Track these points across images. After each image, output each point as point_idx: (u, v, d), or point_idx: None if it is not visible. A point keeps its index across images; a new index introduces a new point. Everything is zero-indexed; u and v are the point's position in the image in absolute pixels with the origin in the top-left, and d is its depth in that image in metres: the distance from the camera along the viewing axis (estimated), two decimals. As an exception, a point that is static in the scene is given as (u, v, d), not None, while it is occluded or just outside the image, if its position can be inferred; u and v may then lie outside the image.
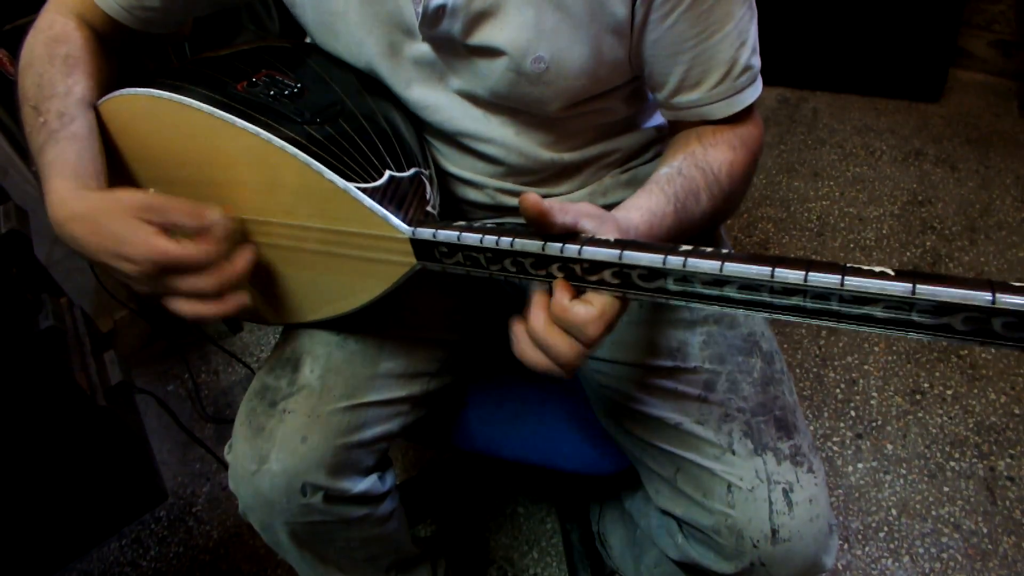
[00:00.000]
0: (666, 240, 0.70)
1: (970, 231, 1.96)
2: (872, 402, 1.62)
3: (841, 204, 2.08)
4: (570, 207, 0.59)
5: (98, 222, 0.69)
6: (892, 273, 0.48)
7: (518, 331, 0.62)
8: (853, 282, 0.48)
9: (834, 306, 0.50)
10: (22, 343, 1.26)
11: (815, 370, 1.69)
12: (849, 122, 2.35)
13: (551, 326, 0.59)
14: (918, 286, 0.46)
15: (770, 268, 0.51)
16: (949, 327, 0.46)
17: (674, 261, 0.54)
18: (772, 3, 2.31)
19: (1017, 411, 1.56)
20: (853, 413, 1.60)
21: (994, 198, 2.04)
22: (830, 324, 0.51)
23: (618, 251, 0.56)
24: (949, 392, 1.62)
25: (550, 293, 0.60)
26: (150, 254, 0.67)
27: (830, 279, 0.49)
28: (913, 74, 2.34)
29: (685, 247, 0.56)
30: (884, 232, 1.98)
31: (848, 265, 0.49)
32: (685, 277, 0.54)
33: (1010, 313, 0.44)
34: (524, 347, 0.62)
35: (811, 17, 2.32)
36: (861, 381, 1.66)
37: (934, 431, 1.55)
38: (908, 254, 1.92)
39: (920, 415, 1.58)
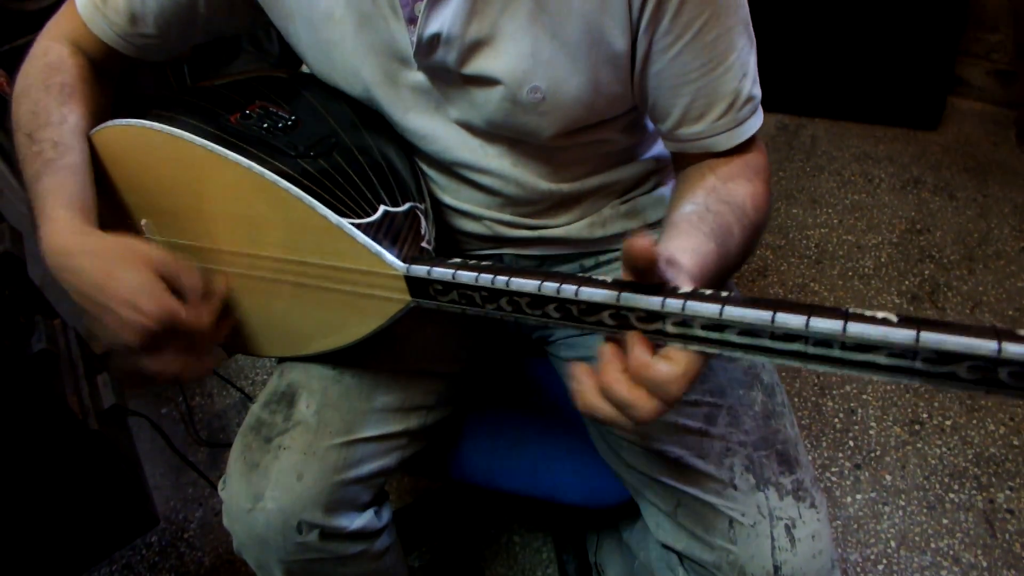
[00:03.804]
0: (714, 281, 0.66)
1: (968, 260, 1.96)
2: (871, 432, 1.60)
3: (839, 232, 2.08)
4: (660, 253, 0.54)
5: (113, 264, 0.71)
6: (895, 320, 0.47)
7: (585, 381, 0.58)
8: (856, 328, 0.47)
9: (836, 353, 0.49)
10: (14, 366, 1.24)
11: (813, 399, 1.68)
12: (848, 149, 2.35)
13: (632, 383, 0.55)
14: (922, 334, 0.45)
15: (771, 313, 0.50)
16: (953, 375, 0.45)
17: (673, 304, 0.53)
18: (772, 30, 2.32)
19: (1016, 442, 1.55)
20: (852, 443, 1.59)
21: (992, 227, 2.04)
22: (833, 370, 0.50)
23: (616, 292, 0.55)
24: (948, 423, 1.61)
25: (617, 344, 0.57)
26: (162, 311, 0.70)
27: (832, 325, 0.48)
28: (911, 102, 2.34)
29: (684, 288, 0.55)
30: (883, 260, 1.98)
31: (851, 311, 0.48)
32: (684, 321, 0.53)
33: (1016, 363, 0.43)
34: (592, 399, 0.57)
35: (811, 44, 2.33)
36: (860, 411, 1.65)
37: (933, 462, 1.54)
38: (907, 283, 1.91)
39: (919, 445, 1.57)
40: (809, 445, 1.59)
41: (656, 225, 0.94)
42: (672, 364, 0.53)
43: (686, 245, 0.64)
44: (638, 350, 0.54)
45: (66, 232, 0.72)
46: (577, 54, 0.71)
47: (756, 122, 0.77)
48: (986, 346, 0.43)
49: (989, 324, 0.45)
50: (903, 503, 1.48)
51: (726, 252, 0.68)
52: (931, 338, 0.45)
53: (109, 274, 0.70)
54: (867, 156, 2.32)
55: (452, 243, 0.93)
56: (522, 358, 1.09)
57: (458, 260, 0.64)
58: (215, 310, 0.75)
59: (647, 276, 0.54)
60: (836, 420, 1.63)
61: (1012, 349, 0.43)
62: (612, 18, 0.69)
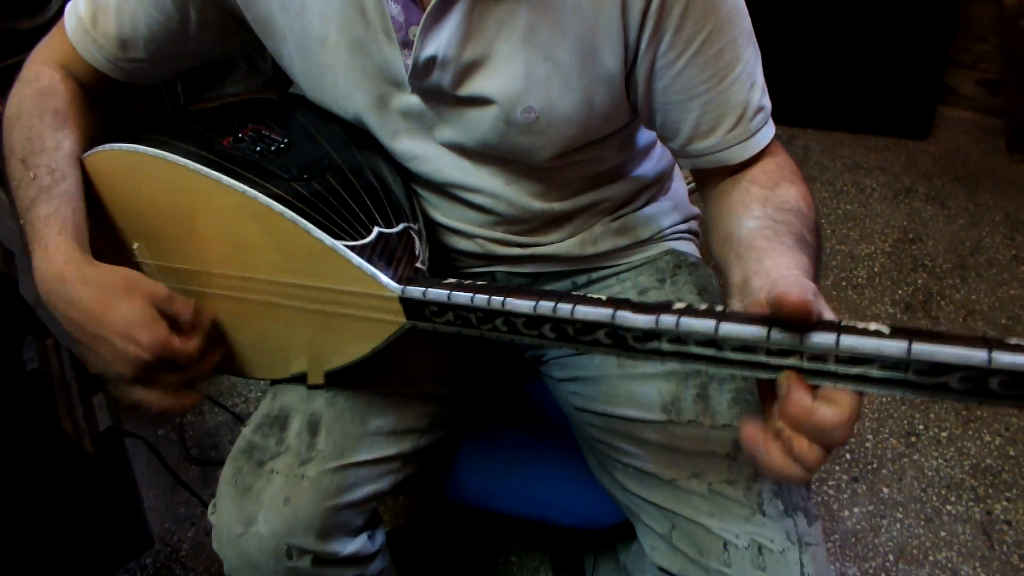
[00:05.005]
0: None
1: (961, 269, 1.96)
2: (867, 444, 1.60)
3: (832, 242, 2.08)
4: (809, 288, 0.51)
5: (110, 295, 0.71)
6: (887, 331, 0.47)
7: (766, 446, 0.52)
8: (849, 341, 0.47)
9: (831, 367, 0.49)
10: (6, 386, 1.23)
11: (809, 411, 1.67)
12: (839, 159, 2.35)
13: (796, 432, 0.50)
14: (914, 344, 0.45)
15: (766, 329, 0.50)
16: (945, 386, 0.46)
17: (667, 321, 0.53)
18: (763, 41, 2.33)
19: (1012, 453, 1.55)
20: (848, 456, 1.58)
21: (984, 235, 2.05)
22: (827, 384, 0.50)
23: (611, 310, 0.55)
24: (944, 434, 1.60)
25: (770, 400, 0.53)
26: (158, 343, 0.70)
27: (826, 338, 0.48)
28: (902, 112, 2.35)
29: (679, 305, 0.54)
30: (876, 270, 1.98)
31: (844, 323, 0.48)
32: (679, 338, 0.53)
33: (1006, 372, 0.43)
34: (782, 464, 0.51)
35: (801, 55, 2.34)
36: (856, 423, 1.64)
37: (930, 474, 1.54)
38: (900, 292, 1.91)
39: (916, 457, 1.57)
40: (805, 458, 1.58)
41: (647, 242, 0.94)
42: (836, 408, 0.49)
43: (788, 263, 0.62)
44: (798, 394, 0.50)
45: (62, 260, 0.72)
46: (570, 74, 0.71)
47: (768, 132, 0.76)
48: (976, 356, 0.44)
49: (981, 332, 0.45)
50: (900, 516, 1.47)
51: (813, 260, 0.65)
52: (923, 349, 0.45)
53: (106, 305, 0.70)
54: (859, 166, 2.32)
55: (444, 261, 0.93)
56: (515, 378, 1.08)
57: (453, 280, 0.64)
58: (204, 340, 0.75)
59: (805, 322, 0.49)
60: (832, 432, 1.63)
61: (1002, 358, 0.43)
62: (605, 38, 0.69)
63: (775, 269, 0.61)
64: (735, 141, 0.75)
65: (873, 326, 0.48)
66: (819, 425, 0.49)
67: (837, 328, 0.48)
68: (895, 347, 0.46)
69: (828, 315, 0.51)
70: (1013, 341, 0.43)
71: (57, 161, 0.77)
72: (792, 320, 0.49)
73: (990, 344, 0.44)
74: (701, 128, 0.75)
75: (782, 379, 0.51)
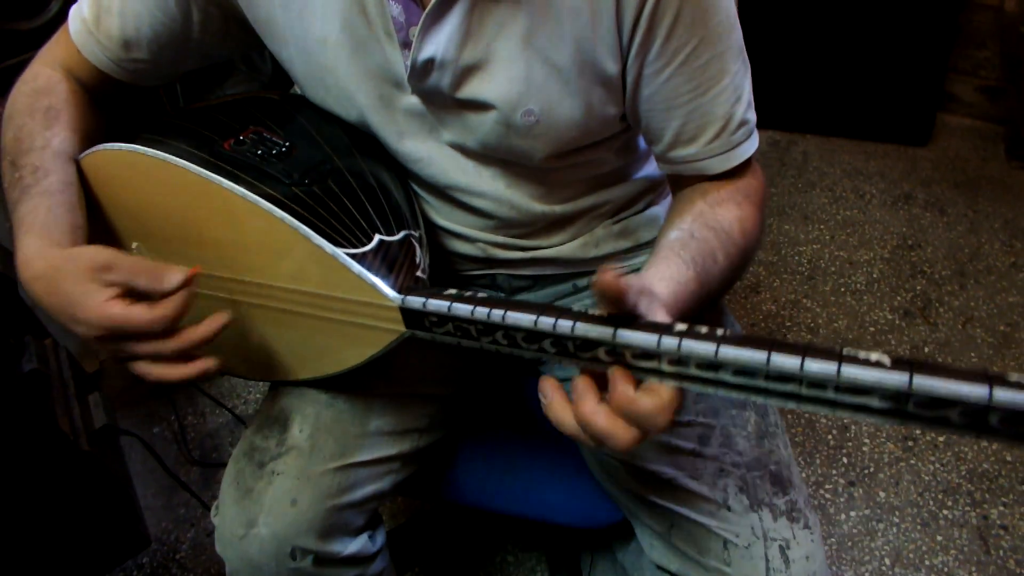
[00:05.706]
0: (692, 308, 0.66)
1: (960, 275, 1.96)
2: (864, 448, 1.61)
3: (832, 248, 2.08)
4: (633, 283, 0.54)
5: (55, 282, 0.68)
6: (888, 363, 0.47)
7: (552, 396, 0.58)
8: (850, 371, 0.47)
9: (830, 395, 0.49)
10: (4, 386, 1.23)
11: (807, 416, 1.68)
12: (839, 165, 2.36)
13: (610, 415, 0.54)
14: (915, 378, 0.45)
15: (766, 353, 0.50)
16: (945, 420, 0.45)
17: (668, 343, 0.53)
18: (763, 47, 2.34)
19: (1009, 458, 1.56)
20: (845, 460, 1.59)
21: (983, 242, 2.05)
22: (826, 411, 0.50)
23: (612, 329, 0.55)
24: (941, 438, 1.61)
25: (591, 375, 0.57)
26: (100, 319, 0.66)
27: (826, 367, 0.48)
28: (902, 118, 2.36)
29: (680, 326, 0.54)
30: (874, 276, 1.99)
31: (845, 352, 0.48)
32: (680, 360, 0.53)
33: (1006, 410, 0.43)
34: (562, 416, 0.57)
35: (802, 61, 2.35)
36: (853, 427, 1.65)
37: (927, 478, 1.54)
38: (899, 298, 1.92)
39: (912, 462, 1.57)
40: (803, 462, 1.59)
41: (648, 245, 0.94)
42: (655, 397, 0.53)
43: (664, 273, 0.65)
44: (622, 386, 0.54)
45: (29, 260, 0.71)
46: (569, 77, 0.72)
47: (750, 146, 0.77)
48: (977, 392, 0.43)
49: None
50: (897, 520, 1.48)
51: (706, 279, 0.68)
52: (924, 383, 0.45)
53: (53, 292, 0.68)
54: (858, 172, 2.33)
55: (445, 264, 0.93)
56: (515, 378, 1.08)
57: (454, 291, 0.64)
58: (178, 307, 0.67)
59: (619, 307, 0.53)
60: (829, 437, 1.63)
61: (1002, 395, 0.42)
62: (602, 42, 0.70)
63: (650, 272, 0.65)
64: (715, 152, 0.76)
65: (875, 356, 0.47)
66: (640, 413, 0.53)
67: (839, 357, 0.48)
68: (896, 379, 0.46)
69: (659, 318, 0.56)
70: (1015, 377, 0.43)
71: (43, 160, 0.76)
72: (608, 304, 0.53)
73: (991, 380, 0.43)
74: (683, 136, 0.75)
75: (611, 372, 0.55)
